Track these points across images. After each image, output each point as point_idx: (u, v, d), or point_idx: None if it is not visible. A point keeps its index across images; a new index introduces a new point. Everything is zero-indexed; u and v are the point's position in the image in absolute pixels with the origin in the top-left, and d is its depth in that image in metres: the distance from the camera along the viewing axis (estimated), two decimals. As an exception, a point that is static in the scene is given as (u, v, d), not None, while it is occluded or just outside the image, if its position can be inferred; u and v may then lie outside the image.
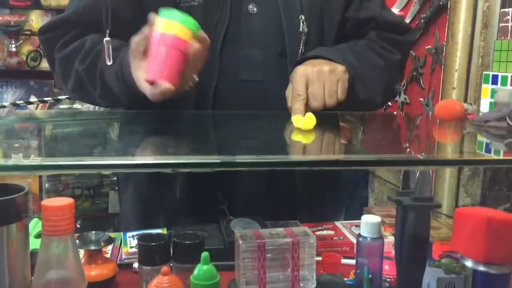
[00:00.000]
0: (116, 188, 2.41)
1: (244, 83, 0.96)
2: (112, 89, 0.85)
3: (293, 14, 0.97)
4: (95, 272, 0.73)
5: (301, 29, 0.96)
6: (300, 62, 0.92)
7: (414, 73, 1.75)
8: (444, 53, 1.53)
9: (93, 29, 0.90)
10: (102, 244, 0.75)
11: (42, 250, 0.55)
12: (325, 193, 1.13)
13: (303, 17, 0.96)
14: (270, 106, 0.92)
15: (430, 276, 0.66)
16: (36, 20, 2.99)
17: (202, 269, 0.59)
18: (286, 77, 0.92)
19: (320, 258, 0.75)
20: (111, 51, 0.70)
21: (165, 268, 0.59)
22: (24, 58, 2.96)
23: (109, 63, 0.72)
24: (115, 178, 2.41)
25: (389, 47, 1.04)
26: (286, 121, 0.77)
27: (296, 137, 0.70)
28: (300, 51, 0.96)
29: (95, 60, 0.86)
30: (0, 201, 0.52)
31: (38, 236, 0.87)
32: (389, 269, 0.79)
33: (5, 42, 2.93)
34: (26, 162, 0.50)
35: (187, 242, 0.74)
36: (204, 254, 0.60)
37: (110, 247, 0.90)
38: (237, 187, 1.00)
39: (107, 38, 0.68)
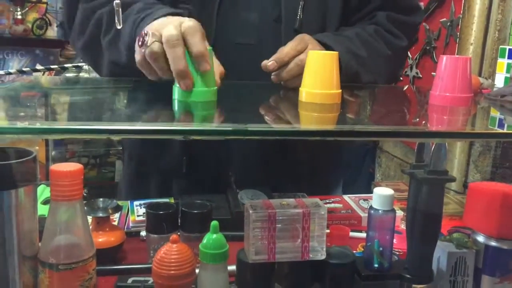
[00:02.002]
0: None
1: (240, 46, 0.95)
2: (120, 43, 0.82)
3: None
4: (102, 239, 0.73)
5: None
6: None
7: (427, 47, 1.71)
8: (459, 26, 1.50)
9: None
10: (110, 211, 0.75)
11: (51, 215, 0.55)
12: (331, 167, 1.12)
13: None
14: (263, 71, 0.91)
15: (441, 250, 0.65)
16: (42, -13, 2.95)
17: (211, 238, 0.58)
18: (281, 42, 0.90)
19: (328, 231, 0.75)
20: (120, 15, 0.68)
21: (174, 236, 0.58)
22: (30, 26, 2.93)
23: (119, 27, 0.70)
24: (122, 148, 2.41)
25: (397, 32, 1.03)
26: (292, 92, 0.75)
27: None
28: (298, 17, 0.94)
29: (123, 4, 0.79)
30: (9, 165, 0.51)
31: (45, 202, 0.87)
32: (397, 242, 0.78)
33: (11, 9, 2.90)
34: (34, 125, 0.49)
35: (196, 211, 0.74)
36: (214, 223, 0.59)
37: (117, 215, 0.90)
38: (243, 159, 0.99)
39: (117, 1, 0.66)
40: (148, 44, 0.69)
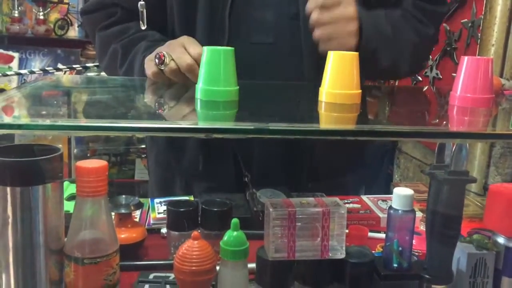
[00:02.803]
0: (143, 155, 2.44)
1: (256, 46, 0.94)
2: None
3: None
4: (124, 235, 0.75)
5: None
6: None
7: (447, 48, 1.70)
8: (480, 27, 1.48)
9: (134, 14, 0.90)
10: (132, 208, 0.76)
11: (76, 210, 0.57)
12: (350, 167, 1.12)
13: None
14: (282, 70, 0.91)
15: (461, 251, 0.65)
16: (64, -13, 3.00)
17: (232, 235, 0.59)
18: (300, 40, 0.89)
19: (347, 231, 0.75)
20: (145, 15, 0.69)
21: (195, 233, 0.59)
22: (52, 26, 2.98)
23: (143, 28, 0.71)
24: (142, 146, 2.44)
25: (424, 20, 1.00)
26: (309, 92, 0.76)
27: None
28: None
29: (132, 42, 0.94)
30: (37, 161, 0.53)
31: (68, 198, 0.88)
32: (416, 243, 0.78)
33: (33, 10, 2.96)
34: (61, 122, 0.50)
35: (215, 209, 0.75)
36: (234, 221, 0.60)
37: (138, 212, 0.92)
38: (261, 160, 1.00)
39: (142, 2, 0.68)
40: (167, 63, 0.82)
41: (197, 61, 0.79)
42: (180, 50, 0.82)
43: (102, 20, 0.98)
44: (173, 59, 0.82)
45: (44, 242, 0.55)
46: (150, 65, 0.86)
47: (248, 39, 0.94)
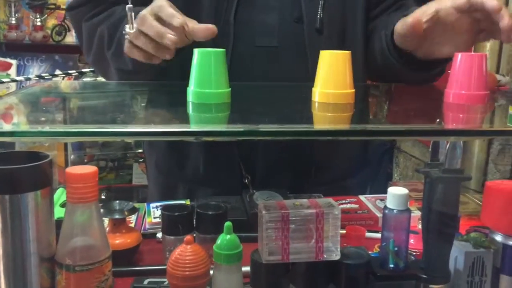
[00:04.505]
0: (140, 160, 2.44)
1: (260, 49, 0.94)
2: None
3: None
4: (119, 241, 0.74)
5: None
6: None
7: (444, 45, 1.69)
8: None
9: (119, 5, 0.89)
10: (126, 213, 0.76)
11: (67, 217, 0.56)
12: (348, 167, 1.12)
13: None
14: (286, 73, 0.90)
15: (458, 250, 0.64)
16: (60, -7, 3.00)
17: (225, 238, 0.59)
18: (303, 44, 0.89)
19: (344, 231, 0.74)
20: (133, 18, 0.69)
21: (188, 237, 0.59)
22: (49, 32, 2.98)
23: (131, 31, 0.71)
24: (139, 151, 2.44)
25: None
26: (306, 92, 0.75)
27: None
28: (318, 17, 0.93)
29: (120, 20, 0.88)
30: (25, 168, 0.52)
31: (63, 205, 0.88)
32: (414, 243, 0.78)
33: (30, 16, 2.96)
34: (52, 128, 0.50)
35: (210, 213, 0.74)
36: (227, 224, 0.59)
37: (134, 217, 0.91)
38: (259, 161, 0.99)
39: (129, 5, 0.68)
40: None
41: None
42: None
43: (88, 12, 0.96)
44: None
45: (35, 250, 0.54)
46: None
47: (252, 43, 0.94)
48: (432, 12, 0.80)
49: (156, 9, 0.76)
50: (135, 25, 0.73)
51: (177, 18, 0.75)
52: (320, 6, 0.93)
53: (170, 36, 0.74)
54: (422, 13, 0.81)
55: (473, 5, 0.76)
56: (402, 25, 0.84)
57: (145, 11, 0.77)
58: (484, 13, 0.77)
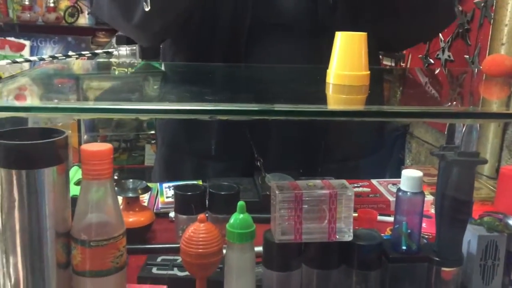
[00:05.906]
0: (153, 141, 2.45)
1: (275, 27, 0.94)
2: None
3: None
4: (132, 219, 0.75)
5: None
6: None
7: (460, 30, 1.66)
8: (494, 7, 1.45)
9: None
10: (140, 191, 0.76)
11: (82, 194, 0.56)
12: (360, 150, 1.11)
13: None
14: (300, 52, 0.90)
15: (472, 234, 0.64)
16: (73, -26, 2.99)
17: (238, 217, 0.59)
18: (317, 22, 0.89)
19: (355, 214, 0.74)
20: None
21: (201, 216, 0.59)
22: (62, 13, 2.99)
23: (146, 9, 0.70)
24: (151, 132, 2.45)
25: None
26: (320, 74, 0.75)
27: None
28: None
29: None
30: (42, 144, 0.52)
31: (78, 183, 0.89)
32: (427, 227, 0.77)
33: (44, -3, 2.96)
34: (69, 104, 0.50)
35: (223, 193, 0.74)
36: (240, 203, 0.59)
37: (146, 197, 0.92)
38: (272, 143, 0.99)
39: None
40: None
41: None
42: None
43: None
44: None
45: (51, 225, 0.55)
46: None
47: (267, 21, 0.94)
48: None
49: None
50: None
51: None
52: None
53: None
54: None
55: None
56: None
57: None
58: None
